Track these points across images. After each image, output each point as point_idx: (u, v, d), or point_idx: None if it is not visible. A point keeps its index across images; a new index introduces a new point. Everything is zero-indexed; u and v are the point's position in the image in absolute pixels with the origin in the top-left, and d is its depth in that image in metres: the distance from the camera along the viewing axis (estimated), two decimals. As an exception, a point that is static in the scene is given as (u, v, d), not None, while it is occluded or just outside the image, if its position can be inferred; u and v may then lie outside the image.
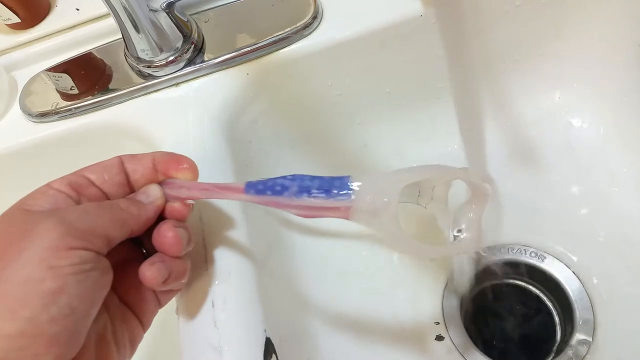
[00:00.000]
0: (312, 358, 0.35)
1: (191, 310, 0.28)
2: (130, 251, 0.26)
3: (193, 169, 0.26)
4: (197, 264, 0.29)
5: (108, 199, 0.25)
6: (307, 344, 0.36)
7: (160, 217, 0.25)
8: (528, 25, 0.42)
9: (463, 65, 0.23)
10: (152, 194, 0.25)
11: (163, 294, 0.26)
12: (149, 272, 0.23)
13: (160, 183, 0.26)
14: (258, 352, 0.27)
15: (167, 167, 0.26)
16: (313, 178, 0.23)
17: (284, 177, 0.24)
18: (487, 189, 0.28)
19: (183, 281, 0.25)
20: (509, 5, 0.40)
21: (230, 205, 0.32)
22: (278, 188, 0.23)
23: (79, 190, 0.24)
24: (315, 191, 0.23)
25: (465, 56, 0.24)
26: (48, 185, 0.23)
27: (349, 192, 0.22)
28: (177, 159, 0.26)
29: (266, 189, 0.24)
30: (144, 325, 0.25)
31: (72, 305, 0.19)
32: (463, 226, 0.29)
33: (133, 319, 0.25)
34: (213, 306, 0.27)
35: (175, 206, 0.25)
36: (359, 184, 0.23)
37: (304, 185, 0.23)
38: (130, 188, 0.26)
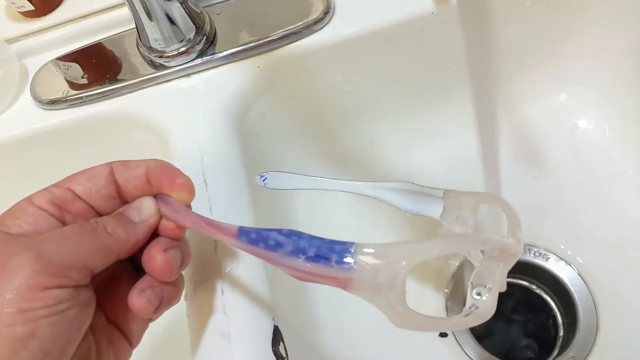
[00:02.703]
0: (317, 347, 0.35)
1: (201, 297, 0.28)
2: (120, 267, 0.24)
3: (188, 187, 0.23)
4: (207, 252, 0.29)
5: (97, 213, 0.23)
6: (313, 334, 0.36)
7: (154, 232, 0.23)
8: (536, 26, 0.42)
9: (482, 61, 0.23)
10: (145, 211, 0.22)
11: (155, 312, 0.23)
12: (138, 302, 0.21)
13: (155, 195, 0.23)
14: (266, 340, 0.27)
15: (160, 181, 0.23)
16: (311, 238, 0.20)
17: (279, 231, 0.21)
18: (518, 251, 0.25)
19: (176, 303, 0.23)
20: (517, 7, 0.40)
21: (239, 193, 0.32)
22: (272, 242, 0.21)
23: (63, 206, 0.22)
24: (312, 255, 0.20)
25: (485, 52, 0.23)
26: (29, 200, 0.21)
27: (350, 262, 0.19)
28: (171, 173, 0.23)
29: (259, 240, 0.21)
30: (133, 344, 0.24)
31: (44, 348, 0.18)
32: (485, 287, 0.26)
33: (121, 339, 0.23)
34: (222, 293, 0.27)
35: (169, 225, 0.23)
36: (364, 254, 0.19)
37: (300, 245, 0.20)
38: (121, 200, 0.23)
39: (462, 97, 0.42)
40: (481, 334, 0.40)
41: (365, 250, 0.20)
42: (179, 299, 0.24)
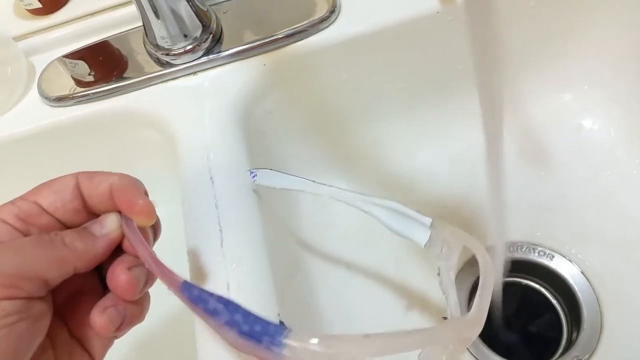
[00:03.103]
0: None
1: (206, 293, 0.28)
2: (87, 282, 0.23)
3: (148, 211, 0.22)
4: (213, 248, 0.29)
5: (64, 226, 0.22)
6: (318, 330, 0.36)
7: (121, 250, 0.23)
8: (540, 26, 0.42)
9: (489, 59, 0.23)
10: (108, 226, 0.22)
11: (117, 331, 0.23)
12: (100, 320, 0.21)
13: (121, 212, 0.23)
14: (272, 336, 0.27)
15: (120, 201, 0.22)
16: (247, 314, 0.20)
17: (219, 298, 0.21)
18: (473, 335, 0.23)
19: (140, 322, 0.23)
20: (523, 6, 0.41)
21: (245, 191, 0.32)
22: (210, 307, 0.20)
23: (29, 220, 0.21)
24: (244, 331, 0.19)
25: (491, 50, 0.23)
26: None
27: (280, 348, 0.19)
28: (132, 194, 0.22)
29: (200, 301, 0.21)
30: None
31: None
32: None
33: (84, 355, 0.22)
34: (228, 289, 0.27)
35: None
36: (296, 340, 0.19)
37: (235, 318, 0.20)
38: (88, 213, 0.23)
39: (467, 96, 0.42)
40: (485, 333, 0.40)
41: (297, 337, 0.19)
42: (143, 317, 0.23)
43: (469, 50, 0.23)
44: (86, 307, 0.22)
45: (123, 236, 0.22)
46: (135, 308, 0.22)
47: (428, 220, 0.29)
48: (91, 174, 0.23)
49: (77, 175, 0.22)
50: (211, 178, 0.32)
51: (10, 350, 0.18)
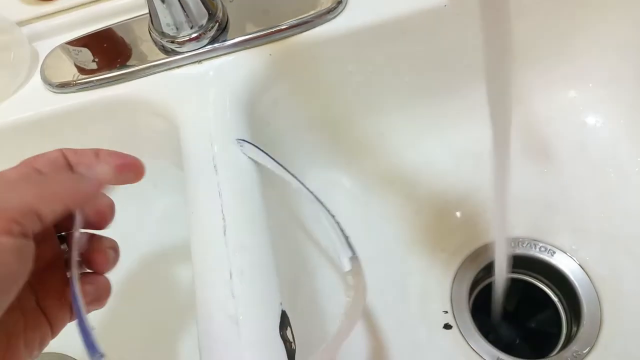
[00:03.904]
0: (323, 335, 0.35)
1: (209, 280, 0.28)
2: (57, 255, 0.24)
3: (135, 167, 0.25)
4: (215, 235, 0.29)
5: None
6: (319, 322, 0.36)
7: None
8: (546, 22, 0.42)
9: (500, 52, 0.23)
10: (98, 169, 0.23)
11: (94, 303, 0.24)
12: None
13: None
14: (274, 324, 0.27)
15: (108, 159, 0.24)
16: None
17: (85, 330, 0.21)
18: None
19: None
20: (529, 1, 0.40)
21: (248, 181, 0.32)
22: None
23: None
24: None
25: (497, 47, 0.23)
26: None
27: None
28: (120, 154, 0.24)
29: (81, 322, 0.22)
30: (54, 333, 0.24)
31: None
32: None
33: (45, 324, 0.23)
34: (231, 277, 0.27)
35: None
36: None
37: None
38: None
39: (473, 91, 0.42)
40: (486, 328, 0.40)
41: None
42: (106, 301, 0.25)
43: (479, 43, 0.23)
44: (55, 279, 0.23)
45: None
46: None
47: (348, 256, 0.30)
48: (74, 149, 0.24)
49: (61, 150, 0.24)
50: (215, 166, 0.32)
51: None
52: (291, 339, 0.27)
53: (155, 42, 0.38)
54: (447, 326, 0.39)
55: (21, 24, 0.42)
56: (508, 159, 0.28)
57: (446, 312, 0.40)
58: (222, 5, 0.39)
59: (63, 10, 0.43)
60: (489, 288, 0.42)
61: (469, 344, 0.38)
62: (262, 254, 0.29)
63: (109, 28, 0.43)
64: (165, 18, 0.36)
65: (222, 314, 0.27)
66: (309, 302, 0.37)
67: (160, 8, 0.35)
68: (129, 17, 0.42)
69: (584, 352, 0.37)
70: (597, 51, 0.44)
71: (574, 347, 0.38)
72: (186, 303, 0.30)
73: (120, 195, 0.26)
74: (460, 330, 0.39)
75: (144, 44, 0.40)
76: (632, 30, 0.42)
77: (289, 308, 0.28)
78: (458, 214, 0.44)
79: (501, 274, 0.37)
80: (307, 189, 0.32)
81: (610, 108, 0.45)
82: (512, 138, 0.46)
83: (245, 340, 0.26)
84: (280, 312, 0.28)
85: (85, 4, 0.43)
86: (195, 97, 0.37)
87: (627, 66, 0.44)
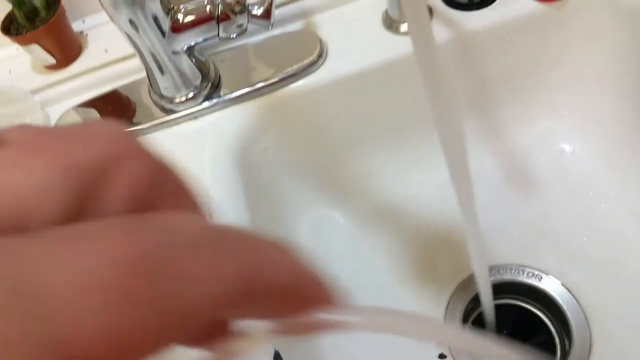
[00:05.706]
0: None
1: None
2: None
3: None
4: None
5: None
6: (312, 352, 0.38)
7: None
8: (521, 57, 0.45)
9: (444, 101, 0.25)
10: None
11: None
12: None
13: None
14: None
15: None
16: None
17: None
18: None
19: None
20: (498, 42, 0.44)
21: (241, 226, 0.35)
22: None
23: None
24: None
25: (446, 92, 0.26)
26: None
27: None
28: None
29: None
30: None
31: None
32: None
33: None
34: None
35: None
36: None
37: None
38: None
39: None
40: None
41: None
42: None
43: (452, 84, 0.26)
44: None
45: None
46: None
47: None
48: None
49: None
50: (210, 214, 0.35)
51: None
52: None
53: (155, 103, 0.42)
54: (442, 356, 0.41)
55: (34, 92, 0.47)
56: (471, 191, 0.30)
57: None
58: (214, 66, 0.42)
59: (71, 77, 0.47)
60: (479, 316, 0.43)
61: (464, 371, 0.40)
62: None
63: (114, 90, 0.47)
64: (162, 83, 0.39)
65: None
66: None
67: (158, 75, 0.39)
68: (132, 78, 0.46)
69: (575, 373, 0.38)
70: (571, 82, 0.47)
71: (566, 368, 0.39)
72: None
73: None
74: (454, 359, 0.41)
75: (147, 103, 0.44)
76: (601, 59, 0.45)
77: (282, 347, 0.30)
78: (446, 243, 0.46)
79: (488, 302, 0.38)
80: None
81: (585, 134, 0.47)
82: (494, 168, 0.48)
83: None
84: (274, 353, 0.30)
85: (92, 70, 0.47)
86: (193, 149, 0.40)
87: (599, 95, 0.46)
